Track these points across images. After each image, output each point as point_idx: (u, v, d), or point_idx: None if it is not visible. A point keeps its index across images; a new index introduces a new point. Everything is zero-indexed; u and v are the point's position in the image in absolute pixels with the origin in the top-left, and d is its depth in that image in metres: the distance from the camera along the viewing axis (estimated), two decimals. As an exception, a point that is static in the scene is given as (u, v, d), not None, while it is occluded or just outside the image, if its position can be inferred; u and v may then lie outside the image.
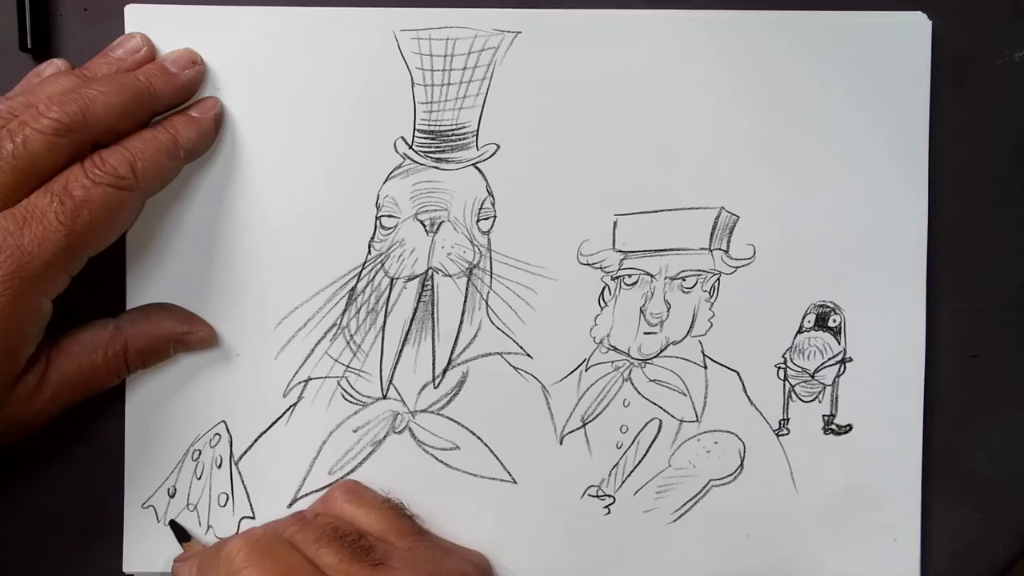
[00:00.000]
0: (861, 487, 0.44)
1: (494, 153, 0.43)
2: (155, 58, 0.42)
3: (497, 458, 0.44)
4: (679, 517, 0.44)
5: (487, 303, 0.44)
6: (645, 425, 0.44)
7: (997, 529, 0.45)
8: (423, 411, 0.44)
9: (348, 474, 0.44)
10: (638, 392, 0.44)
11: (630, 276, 0.44)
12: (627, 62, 0.43)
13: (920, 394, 0.44)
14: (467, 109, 0.43)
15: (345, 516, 0.41)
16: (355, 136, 0.43)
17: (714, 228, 0.43)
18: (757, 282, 0.44)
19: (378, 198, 0.43)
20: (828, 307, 0.44)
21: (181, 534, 0.43)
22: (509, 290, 0.43)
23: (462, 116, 0.43)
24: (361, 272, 0.43)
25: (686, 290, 0.44)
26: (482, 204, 0.43)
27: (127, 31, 0.42)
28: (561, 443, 0.44)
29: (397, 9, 0.43)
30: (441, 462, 0.44)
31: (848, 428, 0.44)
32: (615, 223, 0.43)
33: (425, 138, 0.43)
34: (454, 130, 0.43)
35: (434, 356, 0.44)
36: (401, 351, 0.43)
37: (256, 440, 0.43)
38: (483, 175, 0.43)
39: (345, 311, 0.43)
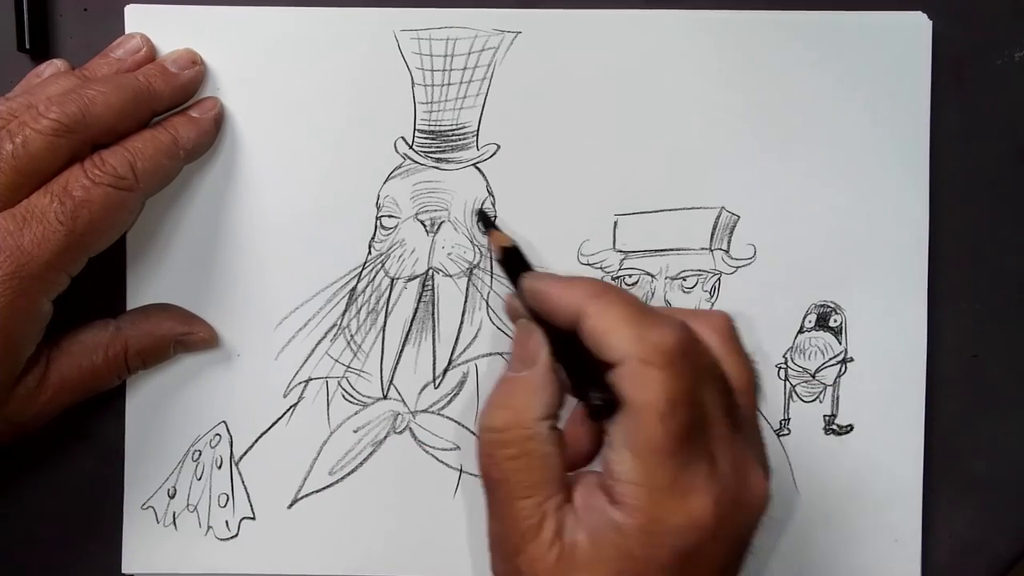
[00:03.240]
0: (862, 487, 0.44)
1: (494, 153, 0.43)
2: (155, 58, 0.42)
3: (497, 458, 0.44)
4: (679, 517, 0.44)
5: (488, 303, 0.43)
6: (646, 425, 0.44)
7: (997, 529, 0.45)
8: (424, 411, 0.44)
9: (349, 474, 0.43)
10: (638, 392, 0.44)
11: (630, 276, 0.44)
12: (627, 62, 0.43)
13: (921, 394, 0.44)
14: (467, 109, 0.43)
15: (716, 353, 0.35)
16: (355, 136, 0.43)
17: (714, 228, 0.43)
18: (758, 282, 0.43)
19: (378, 198, 0.43)
20: (829, 307, 0.44)
21: (487, 221, 0.40)
22: (510, 290, 0.43)
23: (462, 116, 0.43)
24: (361, 272, 0.43)
25: (686, 290, 0.44)
26: (482, 204, 0.43)
27: (127, 31, 0.42)
28: (561, 443, 0.44)
29: (397, 9, 0.43)
30: (441, 462, 0.44)
31: (849, 428, 0.44)
32: (615, 223, 0.43)
33: (425, 138, 0.43)
34: (454, 130, 0.43)
35: (434, 356, 0.44)
36: (401, 351, 0.43)
37: (256, 440, 0.43)
38: (483, 175, 0.43)
39: (345, 311, 0.43)
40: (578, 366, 0.35)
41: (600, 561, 0.32)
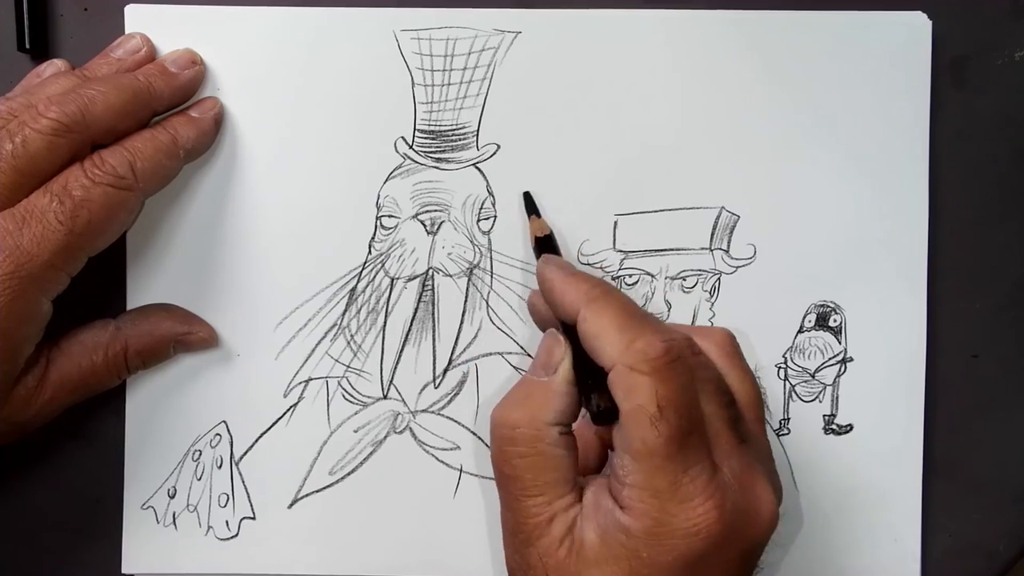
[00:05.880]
0: (861, 487, 0.44)
1: (494, 153, 0.43)
2: (155, 58, 0.42)
3: (497, 458, 0.44)
4: (679, 517, 0.44)
5: (488, 303, 0.43)
6: (645, 425, 0.44)
7: (997, 529, 0.45)
8: (424, 411, 0.44)
9: (349, 474, 0.43)
10: (638, 392, 0.44)
11: (631, 276, 0.44)
12: (627, 62, 0.43)
13: (920, 394, 0.44)
14: (467, 109, 0.43)
15: (720, 369, 0.37)
16: (355, 136, 0.43)
17: (714, 228, 0.43)
18: (758, 282, 0.44)
19: (378, 198, 0.43)
20: (829, 307, 0.44)
21: (531, 205, 0.41)
22: (510, 290, 0.43)
23: (462, 116, 0.43)
24: (361, 272, 0.43)
25: (687, 290, 0.44)
26: (482, 204, 0.43)
27: (127, 31, 0.42)
28: (561, 443, 0.44)
29: (397, 9, 0.43)
30: (441, 462, 0.44)
31: (849, 428, 0.44)
32: (615, 223, 0.43)
33: (425, 138, 0.43)
34: (454, 130, 0.43)
35: (435, 356, 0.44)
36: (402, 351, 0.43)
37: (257, 440, 0.43)
38: (483, 175, 0.43)
39: (345, 311, 0.43)
40: (584, 370, 0.36)
41: (610, 559, 0.33)
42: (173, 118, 0.41)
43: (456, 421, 0.44)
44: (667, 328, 0.35)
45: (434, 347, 0.44)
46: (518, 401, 0.36)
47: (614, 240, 0.43)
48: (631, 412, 0.34)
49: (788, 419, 0.44)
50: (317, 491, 0.43)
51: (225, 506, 0.43)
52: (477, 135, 0.43)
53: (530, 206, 0.42)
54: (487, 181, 0.43)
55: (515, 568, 0.36)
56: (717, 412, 0.35)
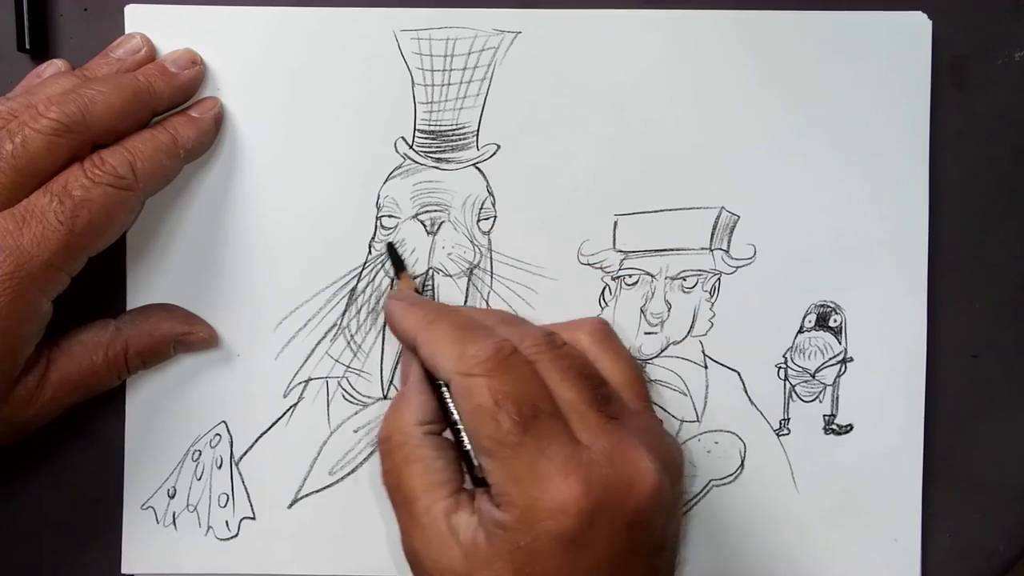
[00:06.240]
0: (861, 487, 0.44)
1: (494, 153, 0.43)
2: (155, 58, 0.42)
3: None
4: (679, 517, 0.44)
5: (488, 303, 0.43)
6: (645, 425, 0.44)
7: (997, 529, 0.45)
8: (423, 411, 0.44)
9: (349, 474, 0.43)
10: (638, 392, 0.44)
11: (630, 276, 0.44)
12: (627, 62, 0.43)
13: (920, 394, 0.44)
14: (467, 109, 0.43)
15: (589, 356, 0.39)
16: (355, 136, 0.43)
17: (715, 228, 0.43)
18: (758, 282, 0.44)
19: (378, 198, 0.43)
20: (829, 307, 0.44)
21: (397, 260, 0.42)
22: (509, 290, 0.43)
23: (462, 116, 0.43)
24: (362, 272, 0.43)
25: (687, 290, 0.44)
26: (482, 204, 0.43)
27: (127, 31, 0.42)
28: (561, 443, 0.44)
29: (397, 9, 0.43)
30: (441, 462, 0.44)
31: (849, 428, 0.44)
32: (615, 223, 0.43)
33: (425, 138, 0.43)
34: (454, 130, 0.43)
35: (434, 356, 0.44)
36: (401, 351, 0.43)
37: (256, 440, 0.43)
38: (483, 175, 0.43)
39: (346, 311, 0.43)
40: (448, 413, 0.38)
41: (495, 557, 0.35)
42: (173, 118, 0.41)
43: (456, 421, 0.44)
44: (492, 332, 0.37)
45: (434, 347, 0.44)
46: (387, 416, 0.39)
47: (614, 240, 0.43)
48: (471, 413, 0.35)
49: (788, 419, 0.44)
50: (317, 491, 0.43)
51: (225, 506, 0.43)
52: (477, 135, 0.43)
53: (397, 262, 0.43)
54: (487, 181, 0.43)
55: (415, 572, 0.37)
56: (582, 394, 0.36)
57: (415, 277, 0.43)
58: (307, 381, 0.43)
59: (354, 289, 0.43)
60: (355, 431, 0.43)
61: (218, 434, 0.43)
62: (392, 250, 0.42)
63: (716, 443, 0.44)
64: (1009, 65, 0.44)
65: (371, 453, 0.43)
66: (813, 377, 0.44)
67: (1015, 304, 0.45)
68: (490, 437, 0.35)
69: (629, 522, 0.35)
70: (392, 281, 0.43)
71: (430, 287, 0.43)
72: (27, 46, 0.43)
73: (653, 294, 0.44)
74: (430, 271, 0.43)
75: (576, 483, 0.34)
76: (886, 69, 0.43)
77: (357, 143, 0.43)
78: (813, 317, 0.44)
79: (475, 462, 0.36)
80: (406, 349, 0.40)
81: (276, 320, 0.43)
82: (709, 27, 0.43)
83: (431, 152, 0.43)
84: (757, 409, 0.44)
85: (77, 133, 0.37)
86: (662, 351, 0.44)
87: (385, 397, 0.44)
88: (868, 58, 0.43)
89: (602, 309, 0.43)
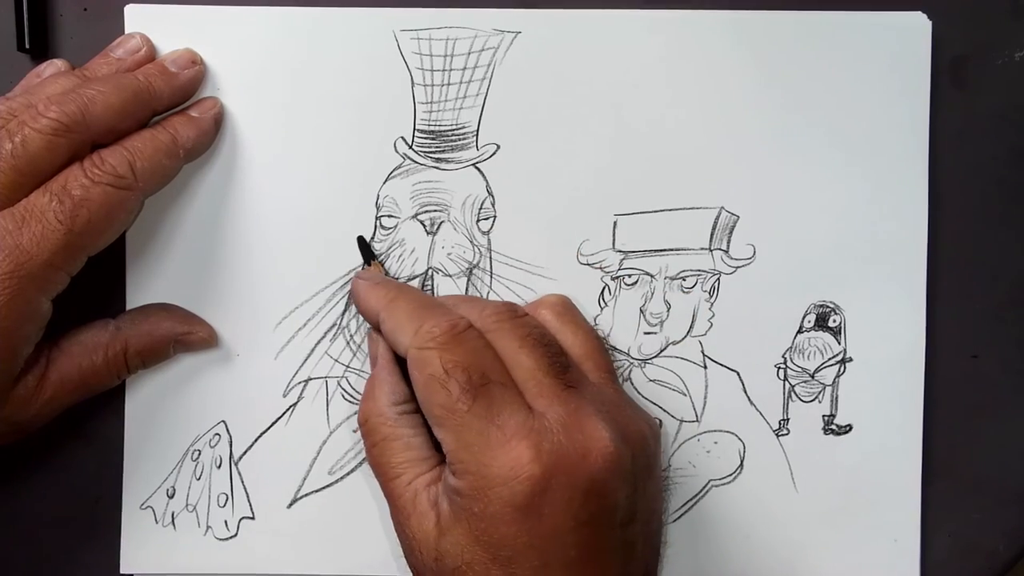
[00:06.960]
0: (861, 487, 0.44)
1: (494, 153, 0.43)
2: (155, 58, 0.42)
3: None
4: (679, 517, 0.44)
5: (487, 303, 0.43)
6: (645, 425, 0.44)
7: (997, 529, 0.45)
8: (423, 411, 0.44)
9: (349, 474, 0.43)
10: (638, 392, 0.44)
11: (630, 276, 0.44)
12: (627, 62, 0.43)
13: (920, 394, 0.44)
14: (467, 109, 0.43)
15: (550, 328, 0.40)
16: (355, 136, 0.43)
17: (714, 228, 0.43)
18: (757, 282, 0.44)
19: (378, 198, 0.43)
20: (828, 307, 0.44)
21: (367, 251, 0.43)
22: (509, 290, 0.43)
23: (462, 116, 0.43)
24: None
25: (686, 290, 0.44)
26: (482, 204, 0.43)
27: (127, 31, 0.42)
28: (561, 443, 0.44)
29: (397, 9, 0.43)
30: (441, 462, 0.44)
31: (848, 428, 0.44)
32: (615, 223, 0.43)
33: (425, 138, 0.43)
34: (454, 130, 0.43)
35: (434, 356, 0.44)
36: (368, 332, 0.43)
37: (256, 440, 0.43)
38: (483, 175, 0.43)
39: (345, 311, 0.43)
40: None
41: (453, 523, 0.36)
42: (173, 118, 0.41)
43: (456, 421, 0.44)
44: (448, 310, 0.38)
45: (434, 347, 0.43)
46: (363, 399, 0.40)
47: (614, 240, 0.43)
48: (423, 383, 0.36)
49: (788, 419, 0.44)
50: (316, 491, 0.43)
51: (224, 506, 0.43)
52: (477, 135, 0.43)
53: (367, 255, 0.43)
54: (487, 181, 0.43)
55: (404, 550, 0.38)
56: (539, 361, 0.37)
57: (413, 277, 0.43)
58: (307, 381, 0.43)
59: (354, 289, 0.43)
60: (354, 431, 0.43)
61: (217, 434, 0.43)
62: (362, 243, 0.43)
63: (715, 443, 0.44)
64: (1009, 65, 0.44)
65: (371, 453, 0.43)
66: (812, 377, 0.44)
67: (1015, 304, 0.45)
68: (440, 405, 0.36)
69: (586, 490, 0.35)
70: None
71: (430, 287, 0.43)
72: (27, 46, 0.43)
73: (652, 294, 0.44)
74: (430, 271, 0.43)
75: (526, 449, 0.35)
76: (886, 69, 0.43)
77: (357, 143, 0.43)
78: (812, 317, 0.44)
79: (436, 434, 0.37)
80: (371, 329, 0.41)
81: (276, 320, 0.43)
82: (709, 27, 0.43)
83: (431, 152, 0.43)
84: (756, 409, 0.44)
85: (77, 133, 0.37)
86: (661, 351, 0.44)
87: (385, 397, 0.44)
88: (868, 58, 0.43)
89: (601, 309, 0.43)
